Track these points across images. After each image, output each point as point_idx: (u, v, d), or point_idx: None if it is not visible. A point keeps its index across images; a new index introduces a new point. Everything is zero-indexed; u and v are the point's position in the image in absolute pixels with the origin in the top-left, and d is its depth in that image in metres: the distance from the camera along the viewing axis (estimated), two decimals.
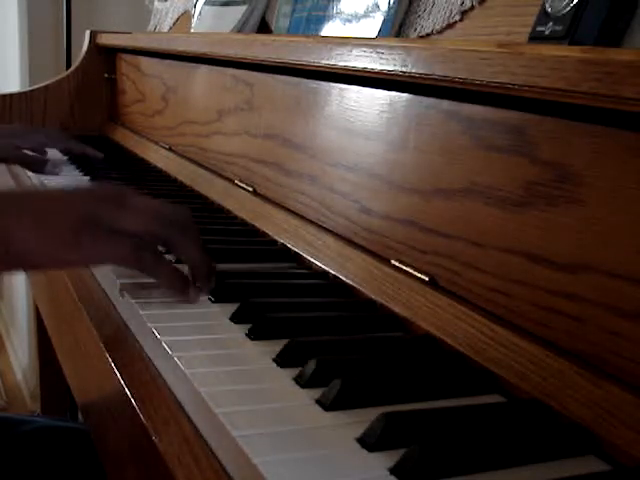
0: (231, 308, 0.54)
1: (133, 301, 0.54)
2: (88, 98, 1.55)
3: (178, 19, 1.46)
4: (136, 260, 0.53)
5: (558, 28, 0.51)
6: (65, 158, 1.17)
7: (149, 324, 0.50)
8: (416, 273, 0.57)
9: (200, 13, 1.25)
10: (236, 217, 0.85)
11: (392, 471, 0.34)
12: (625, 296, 0.41)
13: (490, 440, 0.38)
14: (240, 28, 1.09)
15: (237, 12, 1.10)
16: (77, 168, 1.12)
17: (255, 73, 0.90)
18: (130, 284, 0.57)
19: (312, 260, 0.68)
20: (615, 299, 0.41)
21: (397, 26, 0.74)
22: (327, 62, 0.67)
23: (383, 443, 0.36)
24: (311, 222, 0.73)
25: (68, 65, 1.94)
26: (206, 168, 1.02)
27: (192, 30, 1.27)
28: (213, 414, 0.38)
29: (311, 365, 0.44)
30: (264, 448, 0.35)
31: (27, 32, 2.15)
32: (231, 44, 0.91)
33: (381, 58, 0.59)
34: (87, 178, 1.03)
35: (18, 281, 2.29)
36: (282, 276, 0.65)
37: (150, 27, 1.63)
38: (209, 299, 0.57)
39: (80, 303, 0.59)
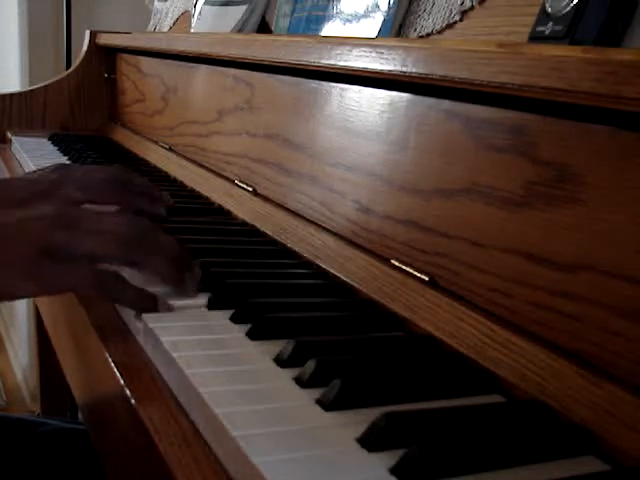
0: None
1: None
2: (88, 98, 1.55)
3: (178, 19, 1.46)
4: (98, 287, 0.50)
5: (558, 28, 0.51)
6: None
7: (149, 324, 0.50)
8: (416, 273, 0.57)
9: (200, 13, 1.25)
10: (236, 217, 0.85)
11: (392, 471, 0.34)
12: (625, 296, 0.41)
13: (490, 440, 0.38)
14: (240, 28, 1.09)
15: (237, 12, 1.10)
16: (69, 160, 1.12)
17: (255, 73, 0.90)
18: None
19: (312, 260, 0.68)
20: (615, 299, 0.41)
21: (397, 26, 0.74)
22: (327, 62, 0.67)
23: (383, 443, 0.36)
24: (311, 222, 0.73)
25: (68, 65, 1.94)
26: (206, 168, 1.02)
27: (192, 30, 1.27)
28: (213, 414, 0.38)
29: (311, 365, 0.44)
30: (264, 448, 0.35)
31: (27, 32, 2.15)
32: (231, 44, 0.91)
33: (381, 58, 0.59)
34: None
35: None
36: (282, 276, 0.65)
37: (150, 27, 1.63)
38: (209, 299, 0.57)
39: (80, 303, 0.59)
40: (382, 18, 0.75)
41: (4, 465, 0.73)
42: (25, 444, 0.76)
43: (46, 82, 1.52)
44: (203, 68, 1.08)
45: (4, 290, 0.48)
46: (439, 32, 0.69)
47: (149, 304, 0.52)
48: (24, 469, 0.74)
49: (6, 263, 0.47)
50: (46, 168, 0.62)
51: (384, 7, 0.75)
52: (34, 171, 0.65)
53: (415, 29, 0.72)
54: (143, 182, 0.65)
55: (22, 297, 0.50)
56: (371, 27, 0.77)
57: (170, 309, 0.54)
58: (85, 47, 1.54)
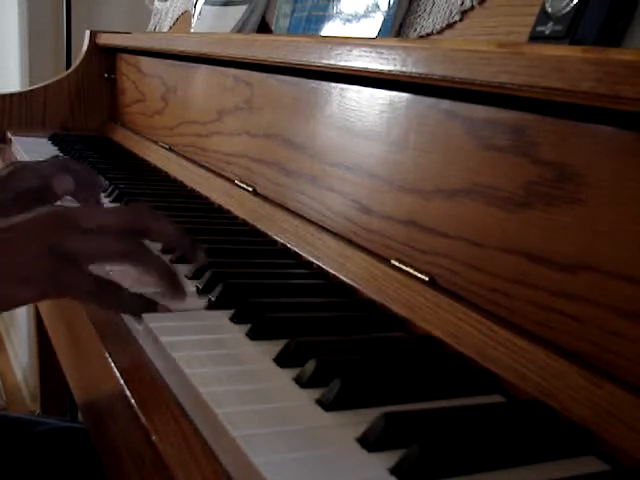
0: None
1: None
2: (88, 98, 1.55)
3: (178, 19, 1.46)
4: (98, 297, 0.50)
5: (558, 28, 0.51)
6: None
7: (149, 324, 0.50)
8: (416, 273, 0.57)
9: (200, 13, 1.25)
10: (236, 217, 0.85)
11: (392, 471, 0.34)
12: (625, 296, 0.41)
13: (490, 440, 0.38)
14: (240, 28, 1.09)
15: (237, 12, 1.10)
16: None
17: (255, 73, 0.90)
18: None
19: (312, 260, 0.68)
20: (615, 299, 0.41)
21: (397, 26, 0.74)
22: (327, 62, 0.67)
23: (383, 443, 0.36)
24: (311, 222, 0.73)
25: (68, 65, 1.94)
26: (206, 168, 1.02)
27: (192, 30, 1.27)
28: (213, 414, 0.38)
29: (311, 365, 0.44)
30: (264, 448, 0.35)
31: (27, 32, 2.15)
32: (231, 44, 0.91)
33: (381, 58, 0.59)
34: None
35: None
36: (282, 276, 0.65)
37: (150, 27, 1.63)
38: (209, 300, 0.57)
39: (80, 303, 0.59)
40: (382, 18, 0.75)
41: (2, 464, 0.73)
42: (24, 443, 0.76)
43: (46, 82, 1.52)
44: (203, 68, 1.08)
45: (5, 296, 0.47)
46: (439, 32, 0.69)
47: (149, 308, 0.52)
48: (22, 468, 0.74)
49: (6, 269, 0.47)
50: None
51: (384, 7, 0.75)
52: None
53: (415, 29, 0.72)
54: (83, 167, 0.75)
55: (22, 303, 0.49)
56: (371, 27, 0.77)
57: (168, 310, 0.53)
58: (85, 47, 1.54)
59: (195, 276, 0.62)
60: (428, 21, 0.70)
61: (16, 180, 0.69)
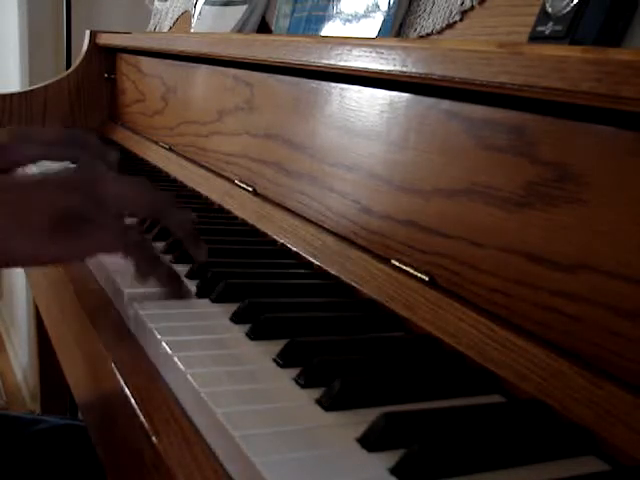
0: (231, 308, 0.54)
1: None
2: (88, 98, 1.54)
3: (178, 19, 1.46)
4: (122, 246, 0.52)
5: (558, 28, 0.51)
6: None
7: (149, 324, 0.50)
8: (416, 273, 0.57)
9: (200, 13, 1.25)
10: (236, 217, 0.85)
11: (392, 471, 0.34)
12: (625, 296, 0.41)
13: (490, 440, 0.38)
14: (240, 28, 1.09)
15: (237, 12, 1.10)
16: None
17: (255, 73, 0.90)
18: (138, 294, 0.56)
19: (312, 260, 0.68)
20: (615, 299, 0.41)
21: (397, 26, 0.74)
22: (327, 62, 0.67)
23: (383, 443, 0.36)
24: (311, 222, 0.73)
25: (68, 65, 1.94)
26: (206, 168, 1.02)
27: (192, 30, 1.27)
28: (213, 414, 0.38)
29: (311, 365, 0.44)
30: (264, 448, 0.35)
31: (27, 32, 2.15)
32: (231, 44, 0.91)
33: (381, 58, 0.59)
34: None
35: (18, 281, 2.29)
36: (282, 276, 0.65)
37: (150, 27, 1.63)
38: (209, 299, 0.57)
39: (80, 303, 0.59)
40: (382, 18, 0.75)
41: (2, 462, 0.74)
42: (23, 441, 0.77)
43: (46, 82, 1.52)
44: (203, 68, 1.08)
45: (30, 255, 0.49)
46: (439, 32, 0.69)
47: (173, 275, 0.56)
48: (22, 466, 0.74)
49: (30, 229, 0.48)
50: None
51: (384, 7, 0.75)
52: None
53: (415, 29, 0.72)
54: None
55: (48, 262, 0.54)
56: (371, 27, 0.77)
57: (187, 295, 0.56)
58: (85, 47, 1.54)
59: (195, 276, 0.62)
60: (428, 21, 0.70)
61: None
